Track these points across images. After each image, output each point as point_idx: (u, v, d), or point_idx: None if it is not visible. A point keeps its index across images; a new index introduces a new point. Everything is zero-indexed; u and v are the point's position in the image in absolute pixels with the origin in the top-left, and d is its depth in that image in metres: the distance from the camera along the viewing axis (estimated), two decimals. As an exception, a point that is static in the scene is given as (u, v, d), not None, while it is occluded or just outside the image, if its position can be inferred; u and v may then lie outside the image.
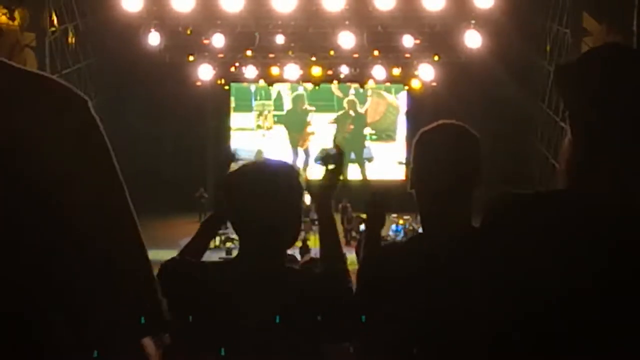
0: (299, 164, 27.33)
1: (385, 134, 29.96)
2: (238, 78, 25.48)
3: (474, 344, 1.85)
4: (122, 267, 1.55)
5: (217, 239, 18.27)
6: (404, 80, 25.29)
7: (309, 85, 27.24)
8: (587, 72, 1.87)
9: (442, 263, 2.59)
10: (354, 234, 23.24)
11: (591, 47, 2.07)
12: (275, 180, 2.63)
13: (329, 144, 3.17)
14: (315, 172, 3.03)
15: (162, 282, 2.61)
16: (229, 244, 19.78)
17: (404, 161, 27.48)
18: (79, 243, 1.48)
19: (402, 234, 22.22)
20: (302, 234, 21.11)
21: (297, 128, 30.12)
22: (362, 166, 29.77)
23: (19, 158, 1.44)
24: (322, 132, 29.70)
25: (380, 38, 22.78)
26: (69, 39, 23.97)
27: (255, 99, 30.01)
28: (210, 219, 3.09)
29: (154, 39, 22.02)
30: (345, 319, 2.64)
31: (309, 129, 30.06)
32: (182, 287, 2.58)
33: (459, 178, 2.65)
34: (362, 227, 23.59)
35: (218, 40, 22.25)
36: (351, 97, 29.89)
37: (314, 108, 29.98)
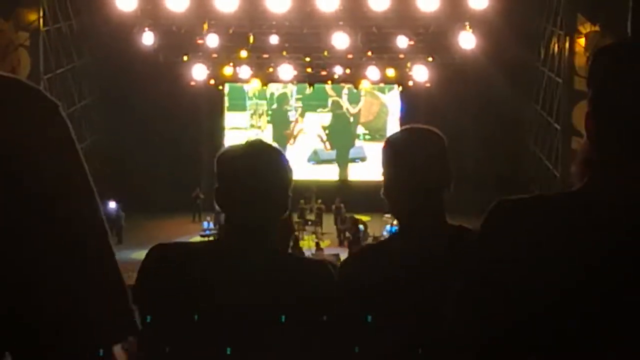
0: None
1: (378, 134, 29.99)
2: (232, 78, 25.48)
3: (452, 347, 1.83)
4: (93, 271, 1.54)
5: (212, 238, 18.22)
6: (397, 81, 25.33)
7: (292, 86, 27.39)
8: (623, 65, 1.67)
9: (417, 264, 2.64)
10: (347, 234, 23.21)
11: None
12: (260, 153, 2.67)
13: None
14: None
15: (148, 265, 2.63)
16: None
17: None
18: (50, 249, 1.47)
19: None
20: (294, 234, 21.22)
21: (282, 127, 30.33)
22: (341, 166, 30.05)
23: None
24: (313, 131, 30.16)
25: (374, 39, 22.82)
26: (63, 39, 23.94)
27: (249, 99, 30.06)
28: None
29: (148, 38, 22.03)
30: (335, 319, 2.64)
31: (297, 127, 30.21)
32: (168, 270, 2.60)
33: (425, 181, 2.70)
34: (361, 227, 23.75)
35: (212, 40, 22.26)
36: (336, 98, 30.10)
37: (291, 108, 30.15)
